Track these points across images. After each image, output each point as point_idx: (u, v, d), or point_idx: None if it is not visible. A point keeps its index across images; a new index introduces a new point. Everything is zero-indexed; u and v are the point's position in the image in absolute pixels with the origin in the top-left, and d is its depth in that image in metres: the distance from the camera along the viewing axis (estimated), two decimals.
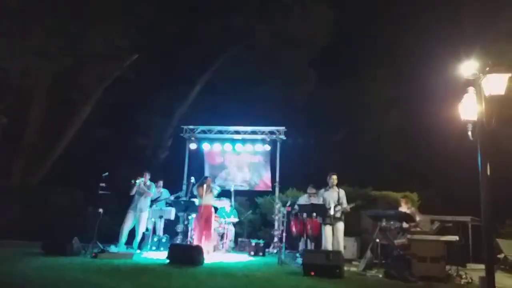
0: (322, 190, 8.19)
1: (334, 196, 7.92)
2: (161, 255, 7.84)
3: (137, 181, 8.64)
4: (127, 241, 8.74)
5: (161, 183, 9.77)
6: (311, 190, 9.17)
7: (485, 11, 12.56)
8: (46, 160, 13.81)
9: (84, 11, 12.31)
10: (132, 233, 8.81)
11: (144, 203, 8.79)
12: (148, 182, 8.93)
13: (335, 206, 7.83)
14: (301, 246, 9.03)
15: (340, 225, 7.82)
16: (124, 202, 9.07)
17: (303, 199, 9.25)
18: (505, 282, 6.66)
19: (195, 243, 8.09)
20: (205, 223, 8.30)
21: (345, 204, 7.86)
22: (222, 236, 9.42)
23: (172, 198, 9.67)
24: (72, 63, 12.90)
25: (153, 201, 9.45)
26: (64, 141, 14.04)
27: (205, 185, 8.45)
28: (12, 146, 13.43)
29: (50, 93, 13.86)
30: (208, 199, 8.44)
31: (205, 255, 7.68)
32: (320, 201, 8.01)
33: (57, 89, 13.72)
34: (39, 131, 13.86)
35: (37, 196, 11.88)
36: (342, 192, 7.99)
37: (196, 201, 8.58)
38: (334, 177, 8.04)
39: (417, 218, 8.02)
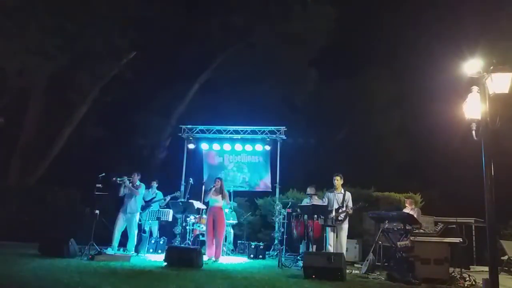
0: (327, 191, 8.10)
1: (339, 198, 7.82)
2: (158, 258, 7.73)
3: (119, 179, 8.46)
4: (121, 243, 8.65)
5: (154, 183, 9.65)
6: (310, 190, 9.08)
7: (488, 8, 12.47)
8: (43, 160, 13.74)
9: (82, 9, 12.21)
10: (125, 235, 8.69)
11: (134, 204, 8.61)
12: (138, 183, 8.76)
13: (338, 208, 7.72)
14: (302, 248, 8.91)
15: (344, 228, 7.73)
16: (122, 203, 8.93)
17: (306, 201, 9.14)
18: (509, 284, 6.64)
19: (207, 247, 7.93)
20: (212, 226, 8.04)
21: (350, 207, 7.74)
22: None
23: (168, 198, 9.53)
24: (69, 62, 12.80)
25: (148, 202, 9.34)
26: (61, 141, 13.97)
27: (215, 187, 8.17)
28: (9, 146, 13.36)
29: (47, 92, 13.77)
30: (216, 200, 8.13)
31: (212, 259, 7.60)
32: (325, 202, 7.89)
33: (54, 88, 13.62)
34: (36, 130, 13.79)
35: (34, 196, 11.79)
36: (348, 194, 7.90)
37: (195, 203, 8.46)
38: (337, 178, 7.93)
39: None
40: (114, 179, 8.39)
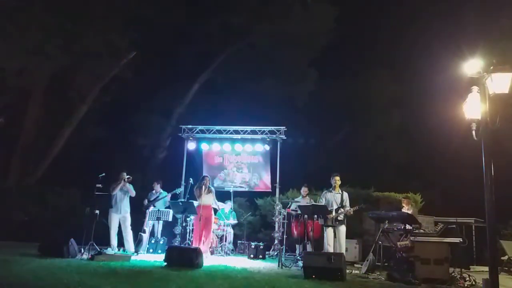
0: (325, 191, 8.08)
1: (337, 198, 7.80)
2: (158, 258, 7.72)
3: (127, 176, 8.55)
4: (121, 243, 8.66)
5: (156, 184, 9.64)
6: (304, 190, 9.11)
7: (488, 8, 12.46)
8: (43, 160, 13.73)
9: (82, 9, 12.21)
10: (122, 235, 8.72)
11: (126, 204, 8.66)
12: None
13: (337, 209, 7.71)
14: (299, 249, 8.91)
15: (342, 228, 7.71)
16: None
17: (300, 201, 9.16)
18: (509, 284, 6.64)
19: (194, 244, 7.98)
20: (204, 225, 8.19)
21: (348, 207, 7.73)
22: (221, 238, 9.30)
23: (169, 195, 9.54)
24: (69, 63, 12.80)
25: (152, 202, 9.34)
26: (61, 141, 13.97)
27: (203, 185, 8.33)
28: (9, 146, 13.36)
29: (47, 92, 13.77)
30: (207, 199, 8.32)
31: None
32: (323, 202, 7.88)
33: (54, 88, 13.63)
34: (36, 130, 13.78)
35: (34, 196, 11.79)
36: (345, 195, 7.89)
37: (195, 203, 8.47)
38: (337, 178, 7.91)
39: None
40: (128, 177, 8.47)
